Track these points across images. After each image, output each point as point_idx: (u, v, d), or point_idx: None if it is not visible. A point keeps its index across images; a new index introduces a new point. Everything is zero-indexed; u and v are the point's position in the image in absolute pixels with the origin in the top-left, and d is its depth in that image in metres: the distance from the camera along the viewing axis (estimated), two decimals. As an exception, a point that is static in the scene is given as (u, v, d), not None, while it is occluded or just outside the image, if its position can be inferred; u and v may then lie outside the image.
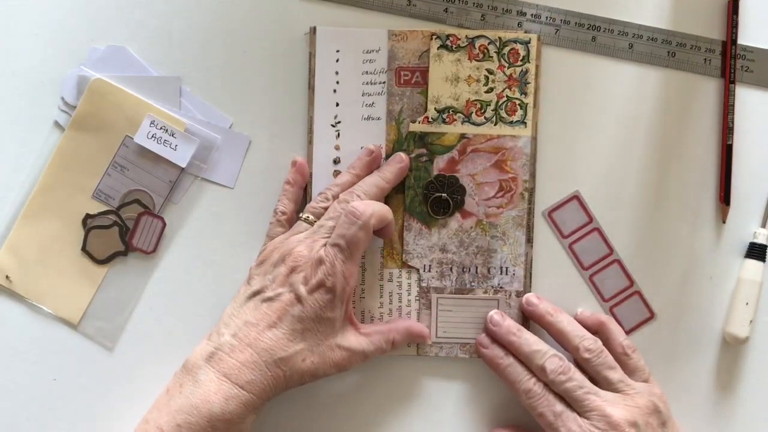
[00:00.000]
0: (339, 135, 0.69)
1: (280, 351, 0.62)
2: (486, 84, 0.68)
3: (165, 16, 0.69)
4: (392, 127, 0.69)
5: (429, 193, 0.69)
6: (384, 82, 0.69)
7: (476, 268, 0.69)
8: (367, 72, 0.69)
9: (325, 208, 0.67)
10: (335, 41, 0.68)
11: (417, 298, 0.69)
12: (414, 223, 0.69)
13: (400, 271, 0.69)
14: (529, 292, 0.69)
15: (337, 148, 0.69)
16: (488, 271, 0.69)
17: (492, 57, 0.68)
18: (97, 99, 0.68)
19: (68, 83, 0.68)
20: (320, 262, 0.63)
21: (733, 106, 0.69)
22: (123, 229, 0.69)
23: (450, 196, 0.68)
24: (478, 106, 0.68)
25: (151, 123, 0.68)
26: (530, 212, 0.69)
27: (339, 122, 0.69)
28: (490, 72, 0.68)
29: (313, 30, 0.68)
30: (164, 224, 0.69)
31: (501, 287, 0.69)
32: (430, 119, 0.68)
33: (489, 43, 0.68)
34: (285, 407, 0.70)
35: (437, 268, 0.69)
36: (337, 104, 0.69)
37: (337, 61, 0.68)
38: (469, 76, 0.68)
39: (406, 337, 0.68)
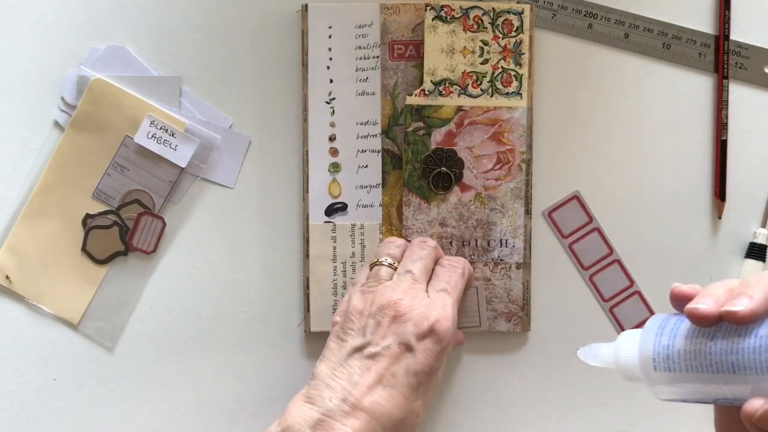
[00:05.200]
0: (334, 112, 0.69)
1: (397, 412, 0.58)
2: (481, 55, 0.68)
3: (165, 16, 0.69)
4: (387, 101, 0.69)
5: (428, 168, 0.68)
6: (377, 57, 0.69)
7: (476, 241, 0.69)
8: (360, 47, 0.69)
9: (400, 252, 0.65)
10: (327, 17, 0.68)
11: None
12: (413, 198, 0.69)
13: None
14: (529, 264, 0.69)
15: (332, 125, 0.69)
16: (488, 243, 0.69)
17: (486, 28, 0.68)
18: (96, 99, 0.68)
19: (68, 83, 0.69)
20: (430, 306, 0.60)
21: (726, 101, 0.70)
22: (123, 229, 0.69)
23: (449, 169, 0.68)
24: (474, 77, 0.68)
25: (151, 123, 0.68)
26: (528, 183, 0.69)
27: (333, 99, 0.69)
28: (485, 43, 0.68)
29: (305, 7, 0.68)
30: (164, 224, 0.70)
31: (501, 260, 0.69)
32: (426, 92, 0.68)
33: (483, 14, 0.68)
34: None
35: (437, 242, 0.68)
36: (331, 81, 0.69)
37: (330, 37, 0.68)
38: (464, 47, 0.68)
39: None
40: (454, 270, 0.64)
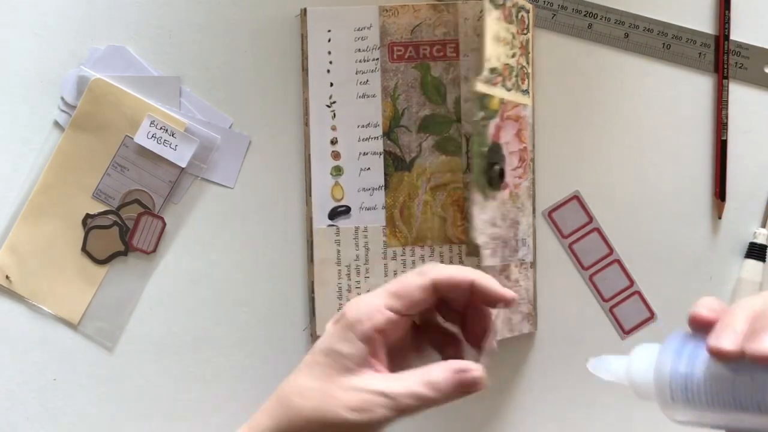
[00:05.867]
0: (335, 115, 0.69)
1: (285, 386, 0.55)
2: (511, 48, 0.65)
3: (165, 16, 0.69)
4: (388, 103, 0.69)
5: (486, 163, 0.63)
6: (377, 59, 0.68)
7: (510, 242, 0.66)
8: (359, 50, 0.68)
9: None
10: (326, 21, 0.68)
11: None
12: (477, 197, 0.63)
13: (404, 249, 0.69)
14: (536, 263, 0.69)
15: (333, 128, 0.69)
16: (516, 243, 0.67)
17: (513, 21, 0.65)
18: (97, 99, 0.68)
19: (68, 83, 0.69)
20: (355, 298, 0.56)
21: (726, 101, 0.70)
22: (123, 229, 0.69)
23: (500, 165, 0.64)
24: (508, 71, 0.65)
25: (151, 123, 0.68)
26: (534, 182, 0.69)
27: (334, 102, 0.69)
28: (513, 36, 0.65)
29: (304, 11, 0.68)
30: (164, 224, 0.70)
31: (523, 260, 0.68)
32: (485, 80, 0.62)
33: (512, 6, 0.65)
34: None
35: (491, 244, 0.64)
36: (332, 84, 0.69)
37: (329, 40, 0.68)
38: (503, 37, 0.64)
39: (448, 373, 0.52)
40: (413, 271, 0.56)
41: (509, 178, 0.66)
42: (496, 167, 0.64)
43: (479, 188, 0.62)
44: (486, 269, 0.62)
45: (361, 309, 0.53)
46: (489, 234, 0.63)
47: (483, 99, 0.62)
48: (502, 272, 0.65)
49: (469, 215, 0.65)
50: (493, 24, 0.62)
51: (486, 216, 0.63)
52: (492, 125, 0.63)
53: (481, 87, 0.61)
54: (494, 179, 0.63)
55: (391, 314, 0.53)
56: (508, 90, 0.65)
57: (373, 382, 0.52)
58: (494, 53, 0.62)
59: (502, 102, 0.64)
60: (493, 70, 0.62)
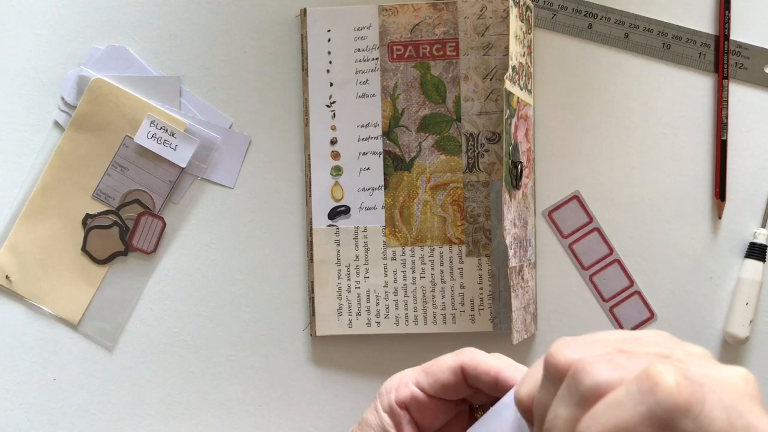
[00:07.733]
0: (335, 115, 0.69)
1: None
2: (522, 47, 0.65)
3: (165, 16, 0.69)
4: (387, 103, 0.69)
5: (512, 162, 0.64)
6: (377, 59, 0.68)
7: (523, 242, 0.66)
8: (359, 49, 0.68)
9: None
10: (326, 21, 0.68)
11: (422, 275, 0.69)
12: (506, 196, 0.63)
13: (404, 249, 0.69)
14: (536, 263, 0.68)
15: (333, 128, 0.69)
16: (526, 243, 0.67)
17: (524, 20, 0.65)
18: (97, 99, 0.68)
19: (68, 83, 0.69)
20: None
21: (726, 101, 0.70)
22: (123, 229, 0.69)
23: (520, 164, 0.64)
24: (521, 70, 0.65)
25: (151, 123, 0.68)
26: (534, 182, 0.69)
27: (334, 102, 0.69)
28: (524, 35, 0.65)
29: (304, 11, 0.68)
30: (164, 224, 0.70)
31: (529, 259, 0.68)
32: (510, 78, 0.62)
33: (524, 5, 0.65)
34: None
35: (514, 244, 0.64)
36: (331, 84, 0.69)
37: (329, 40, 0.68)
38: (518, 36, 0.64)
39: None
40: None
41: (521, 177, 0.66)
42: (519, 166, 0.64)
43: (507, 187, 0.62)
44: (510, 270, 0.62)
45: (393, 381, 0.53)
46: (512, 234, 0.63)
47: (508, 97, 0.62)
48: (519, 273, 0.65)
49: (500, 215, 0.64)
50: (513, 21, 0.63)
51: (511, 216, 0.63)
52: (512, 124, 0.63)
53: (507, 84, 0.61)
54: (516, 178, 0.64)
55: (416, 390, 0.51)
56: (521, 89, 0.65)
57: None
58: (513, 51, 0.63)
59: (518, 101, 0.64)
60: (513, 68, 0.63)
